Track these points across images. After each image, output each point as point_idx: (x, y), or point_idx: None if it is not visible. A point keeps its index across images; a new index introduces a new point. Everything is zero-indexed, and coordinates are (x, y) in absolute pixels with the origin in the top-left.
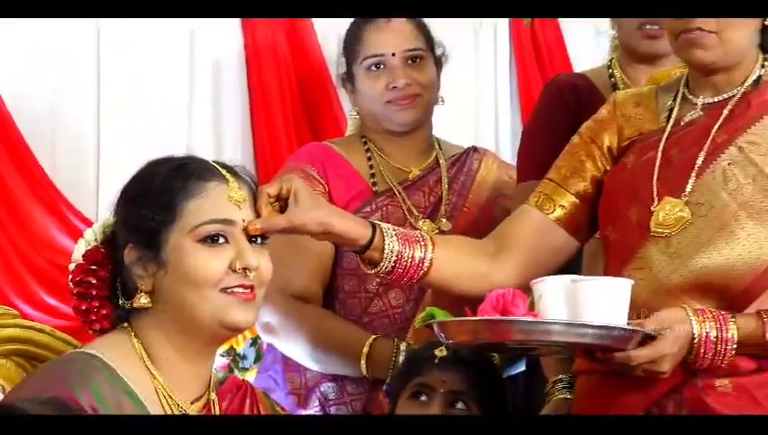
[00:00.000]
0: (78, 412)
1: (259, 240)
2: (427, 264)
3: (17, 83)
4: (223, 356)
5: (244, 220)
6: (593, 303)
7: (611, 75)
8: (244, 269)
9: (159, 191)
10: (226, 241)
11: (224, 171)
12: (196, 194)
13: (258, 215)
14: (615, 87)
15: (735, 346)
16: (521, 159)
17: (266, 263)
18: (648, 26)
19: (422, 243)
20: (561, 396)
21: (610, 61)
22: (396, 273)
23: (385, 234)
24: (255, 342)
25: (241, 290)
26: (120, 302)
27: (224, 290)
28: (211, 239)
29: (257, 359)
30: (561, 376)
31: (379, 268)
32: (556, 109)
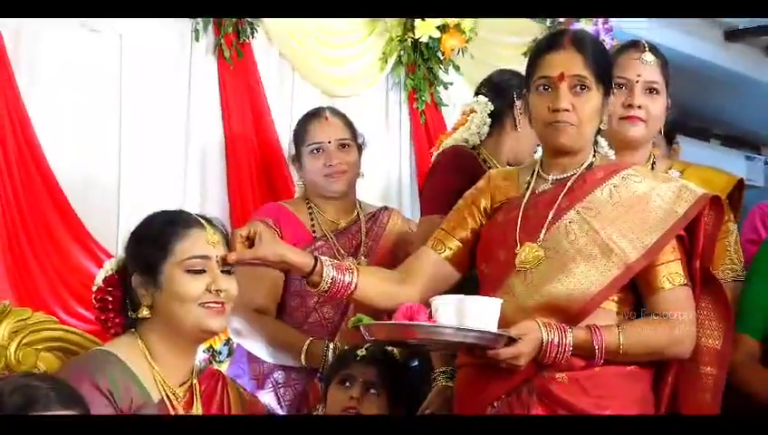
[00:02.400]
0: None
1: (228, 270)
2: (353, 286)
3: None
4: (204, 352)
5: (217, 256)
6: (474, 314)
7: (479, 153)
8: (217, 291)
9: (157, 235)
10: (205, 271)
11: (203, 221)
12: (183, 237)
13: (231, 250)
14: (484, 161)
15: (571, 349)
16: (425, 199)
17: (233, 286)
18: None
19: (350, 271)
20: (444, 383)
21: (478, 146)
22: (331, 291)
23: (324, 263)
24: (228, 342)
25: (214, 305)
26: (129, 313)
27: (202, 305)
28: (194, 270)
29: (229, 354)
30: (443, 368)
31: (319, 288)
32: (451, 166)
